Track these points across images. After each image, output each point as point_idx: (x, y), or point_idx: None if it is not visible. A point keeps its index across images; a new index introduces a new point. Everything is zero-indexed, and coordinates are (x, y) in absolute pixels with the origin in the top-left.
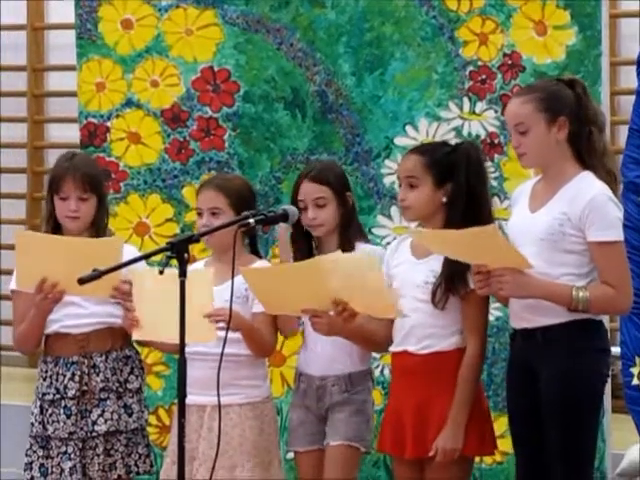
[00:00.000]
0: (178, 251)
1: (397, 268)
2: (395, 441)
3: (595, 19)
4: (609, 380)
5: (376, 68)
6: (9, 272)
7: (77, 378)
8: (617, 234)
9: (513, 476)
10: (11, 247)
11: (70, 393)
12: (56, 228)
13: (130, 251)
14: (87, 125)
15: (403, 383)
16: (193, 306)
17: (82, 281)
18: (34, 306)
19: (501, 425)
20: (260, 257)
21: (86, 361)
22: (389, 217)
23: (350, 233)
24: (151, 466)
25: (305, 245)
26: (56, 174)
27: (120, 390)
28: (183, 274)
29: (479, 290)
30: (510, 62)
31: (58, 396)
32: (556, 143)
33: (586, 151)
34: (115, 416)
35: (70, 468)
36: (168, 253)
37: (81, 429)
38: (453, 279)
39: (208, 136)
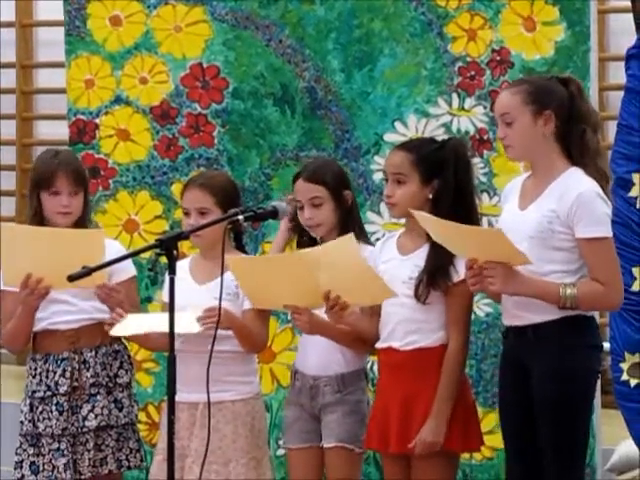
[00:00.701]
0: (167, 248)
1: (384, 265)
2: (381, 437)
3: (584, 15)
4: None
5: (365, 64)
6: None
7: (68, 374)
8: (605, 230)
9: (503, 472)
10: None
11: (62, 389)
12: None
13: (116, 248)
14: (76, 122)
15: (389, 379)
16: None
17: (72, 278)
18: (20, 303)
19: (490, 421)
20: (247, 253)
21: (76, 357)
22: (378, 213)
23: (349, 232)
24: (141, 461)
25: (309, 245)
26: (46, 170)
27: (110, 385)
28: (172, 271)
29: (472, 287)
30: (499, 58)
31: (49, 393)
32: (542, 137)
33: (578, 149)
34: (105, 411)
35: (64, 464)
36: (157, 250)
37: (72, 425)
38: (435, 274)
39: (197, 133)
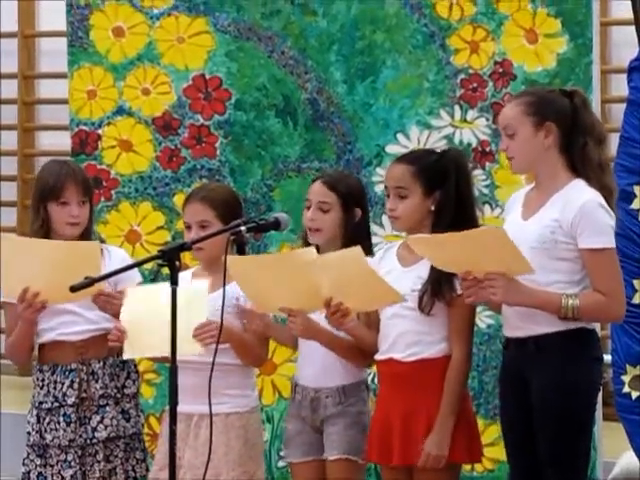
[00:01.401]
0: (169, 259)
1: (384, 277)
2: (382, 449)
3: (586, 27)
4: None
5: (367, 76)
6: None
7: (76, 385)
8: (608, 241)
9: None
10: None
11: (69, 401)
12: (46, 237)
13: (121, 255)
14: (78, 133)
15: (390, 391)
16: (186, 320)
17: (74, 289)
18: (18, 316)
19: (492, 433)
20: None
21: (85, 368)
22: (380, 225)
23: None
24: (147, 470)
25: None
26: (55, 180)
27: (118, 396)
28: (175, 282)
29: (467, 299)
30: (501, 70)
31: (56, 404)
32: (544, 148)
33: (580, 162)
34: (114, 422)
35: (71, 476)
36: (159, 261)
37: (80, 436)
38: (440, 284)
39: (199, 144)
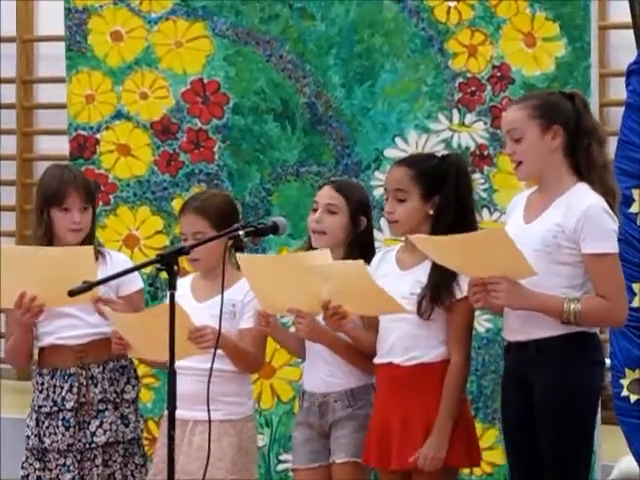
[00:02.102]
0: (168, 263)
1: (382, 279)
2: (380, 453)
3: (584, 31)
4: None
5: (366, 80)
6: None
7: (75, 390)
8: (612, 246)
9: None
10: None
11: (68, 405)
12: (49, 243)
13: (122, 260)
14: (76, 137)
15: (388, 395)
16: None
17: (73, 293)
18: (16, 321)
19: (491, 437)
20: None
21: (84, 372)
22: (379, 229)
23: (356, 257)
24: (147, 475)
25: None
26: (58, 186)
27: (117, 401)
28: (173, 287)
29: (475, 303)
30: (499, 74)
31: (55, 408)
32: (550, 151)
33: (585, 164)
34: (113, 427)
35: None
36: (158, 265)
37: (79, 441)
38: (439, 289)
39: (198, 148)
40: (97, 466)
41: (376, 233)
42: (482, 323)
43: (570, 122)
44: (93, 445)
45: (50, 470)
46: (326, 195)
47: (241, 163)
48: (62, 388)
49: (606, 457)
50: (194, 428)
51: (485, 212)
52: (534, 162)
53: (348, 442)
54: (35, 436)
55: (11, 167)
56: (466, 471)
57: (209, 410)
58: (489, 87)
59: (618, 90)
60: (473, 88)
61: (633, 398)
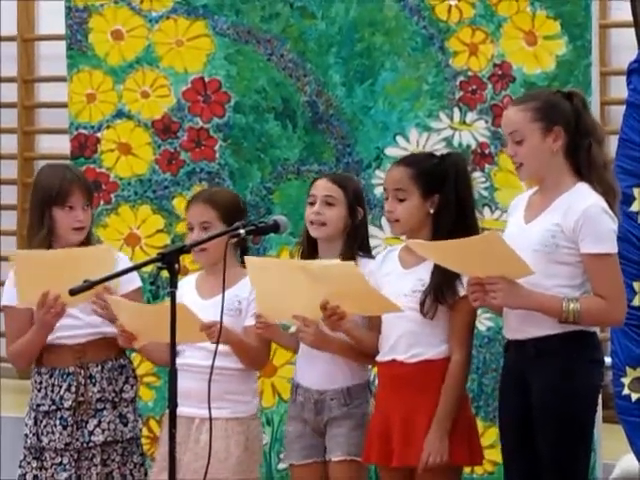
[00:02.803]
0: (169, 262)
1: (385, 278)
2: (382, 451)
3: (585, 29)
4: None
5: (366, 78)
6: (2, 284)
7: (73, 389)
8: (611, 246)
9: None
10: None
11: (66, 404)
12: (50, 243)
13: (124, 260)
14: (77, 136)
15: (390, 392)
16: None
17: (73, 292)
18: (37, 321)
19: (491, 435)
20: None
21: (82, 371)
22: (380, 227)
23: (354, 248)
24: (145, 475)
25: (311, 257)
26: (62, 185)
27: (116, 400)
28: (174, 285)
29: (474, 302)
30: (500, 72)
31: (54, 407)
32: (551, 153)
33: (585, 164)
34: (112, 426)
35: (65, 479)
36: (159, 264)
37: (77, 440)
38: (442, 288)
39: (199, 147)
40: (95, 465)
41: (377, 231)
42: (483, 322)
43: (570, 122)
44: (91, 444)
45: (46, 469)
46: (323, 187)
47: (242, 162)
48: (60, 387)
49: (607, 456)
50: (201, 426)
51: (486, 211)
52: (535, 164)
53: (345, 440)
54: (33, 435)
55: (12, 166)
56: (467, 469)
57: (210, 408)
58: (490, 85)
59: (619, 89)
60: (474, 86)
61: (634, 397)
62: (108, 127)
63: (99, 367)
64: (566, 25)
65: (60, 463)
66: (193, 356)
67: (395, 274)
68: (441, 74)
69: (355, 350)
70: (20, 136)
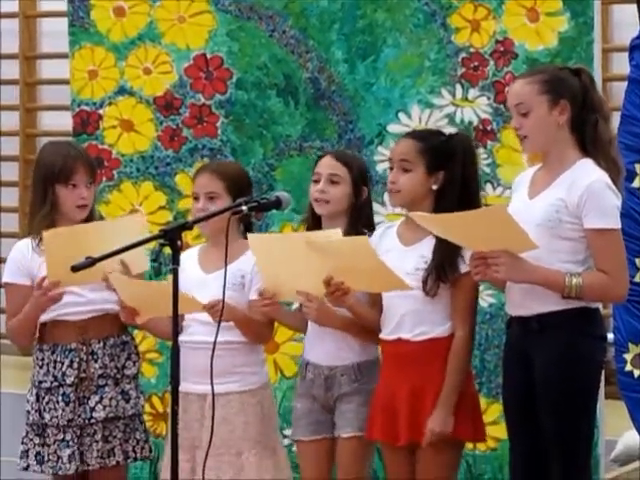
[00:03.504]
0: (171, 238)
1: (385, 256)
2: (387, 428)
3: (587, 6)
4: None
5: (368, 55)
6: (4, 261)
7: (75, 365)
8: (614, 222)
9: (506, 462)
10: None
11: (68, 380)
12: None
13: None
14: (79, 113)
15: (396, 370)
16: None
17: (75, 269)
18: (32, 300)
19: (494, 411)
20: None
21: (84, 348)
22: (382, 204)
23: (359, 226)
24: (150, 451)
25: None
26: (65, 163)
27: (118, 376)
28: (176, 262)
29: (475, 276)
30: (502, 49)
31: (56, 383)
32: (557, 126)
33: (591, 140)
34: (113, 402)
35: (69, 455)
36: (161, 241)
37: (79, 416)
38: (444, 266)
39: (201, 123)
40: (97, 441)
41: (379, 208)
42: (485, 298)
43: (577, 97)
44: (92, 420)
45: (49, 445)
46: (328, 165)
47: (244, 138)
48: (62, 363)
49: (609, 432)
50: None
51: (489, 187)
52: (540, 137)
53: (354, 416)
54: (35, 411)
55: (14, 143)
56: (470, 446)
57: (212, 383)
58: (492, 62)
59: (621, 65)
60: (476, 63)
61: (637, 373)
62: (110, 104)
63: (101, 343)
64: (568, 2)
65: (63, 439)
66: (199, 332)
67: (395, 252)
68: (443, 51)
69: (357, 326)
70: (22, 113)
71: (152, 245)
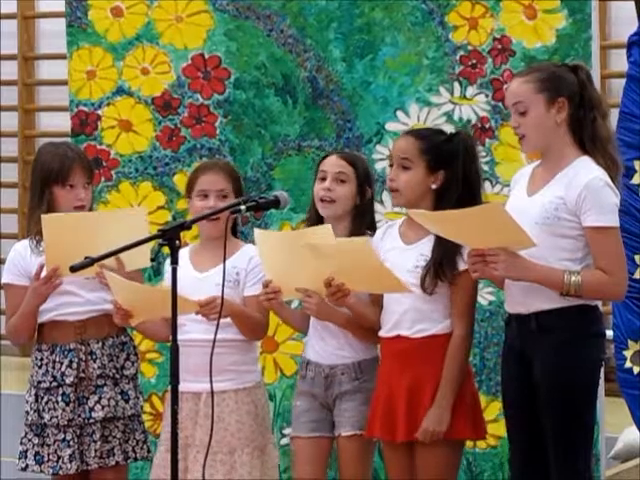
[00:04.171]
0: (170, 238)
1: (386, 254)
2: (385, 425)
3: (585, 3)
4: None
5: (366, 54)
6: (3, 262)
7: (74, 365)
8: (613, 220)
9: (507, 460)
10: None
11: (67, 380)
12: None
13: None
14: (78, 113)
15: (394, 367)
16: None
17: (74, 269)
18: (31, 290)
19: (494, 409)
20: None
21: (83, 348)
22: (381, 202)
23: (362, 226)
24: (148, 452)
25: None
26: (63, 164)
27: (117, 376)
28: (175, 261)
29: (473, 274)
30: (500, 46)
31: (55, 384)
32: (555, 125)
33: (589, 137)
34: (112, 402)
35: (69, 455)
36: (160, 240)
37: (79, 416)
38: (442, 264)
39: (199, 123)
40: (95, 441)
41: (378, 206)
42: (485, 296)
43: (575, 95)
44: (91, 420)
45: (48, 446)
46: (335, 164)
47: (243, 138)
48: (62, 364)
49: (609, 429)
50: (208, 400)
51: (487, 185)
52: (538, 136)
53: (354, 415)
54: (34, 411)
55: (13, 144)
56: (470, 443)
57: (212, 381)
58: (490, 60)
59: (619, 62)
60: (474, 61)
61: (636, 369)
62: (108, 104)
63: (100, 343)
64: None
65: (63, 439)
66: (194, 330)
67: (397, 250)
68: (441, 49)
69: (359, 325)
70: (20, 113)
71: (151, 244)
